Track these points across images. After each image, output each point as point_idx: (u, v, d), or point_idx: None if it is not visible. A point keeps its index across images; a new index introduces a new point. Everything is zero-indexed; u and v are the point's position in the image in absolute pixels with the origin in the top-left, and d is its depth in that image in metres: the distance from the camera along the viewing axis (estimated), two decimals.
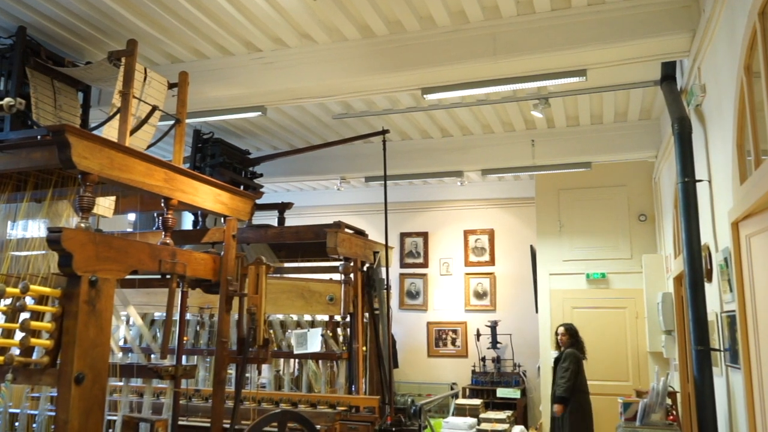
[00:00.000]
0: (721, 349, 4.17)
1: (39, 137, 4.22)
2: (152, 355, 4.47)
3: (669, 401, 5.40)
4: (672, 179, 6.06)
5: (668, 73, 5.52)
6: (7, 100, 2.23)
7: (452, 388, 9.10)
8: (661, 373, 5.83)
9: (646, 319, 7.56)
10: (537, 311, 8.55)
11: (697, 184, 4.45)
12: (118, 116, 3.38)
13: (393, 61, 5.27)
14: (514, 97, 6.55)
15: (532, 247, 8.95)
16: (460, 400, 7.27)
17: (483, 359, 9.11)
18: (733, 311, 3.67)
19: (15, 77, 4.64)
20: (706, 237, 4.39)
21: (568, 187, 8.56)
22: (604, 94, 6.47)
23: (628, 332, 8.07)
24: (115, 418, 3.41)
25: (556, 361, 7.05)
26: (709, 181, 4.38)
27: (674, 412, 5.51)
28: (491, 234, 9.78)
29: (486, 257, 9.75)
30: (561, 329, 7.09)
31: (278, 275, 5.80)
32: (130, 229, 7.76)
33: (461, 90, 5.47)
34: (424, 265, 10.05)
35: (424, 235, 10.13)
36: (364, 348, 5.46)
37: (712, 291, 4.32)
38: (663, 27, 4.63)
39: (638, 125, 7.35)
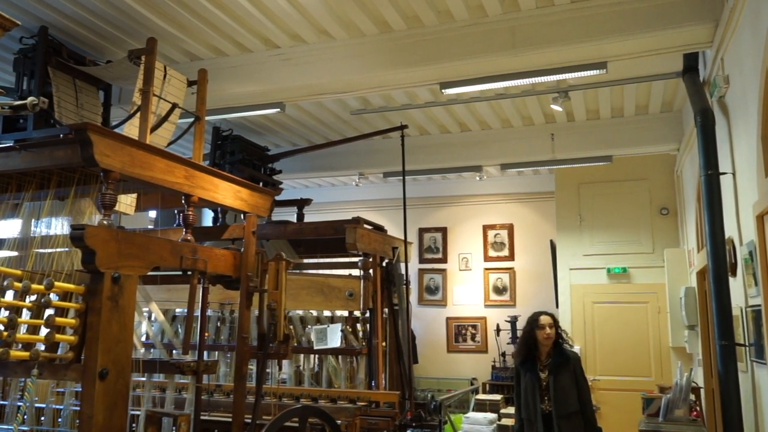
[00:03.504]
0: (746, 344, 4.11)
1: (62, 136, 4.27)
2: (174, 351, 4.51)
3: (692, 397, 5.34)
4: (695, 172, 5.98)
5: (690, 64, 5.44)
6: (30, 99, 2.26)
7: (472, 384, 9.07)
8: (684, 368, 5.76)
9: (668, 314, 7.48)
10: (557, 306, 8.49)
11: (721, 176, 4.39)
12: (138, 114, 3.41)
13: (411, 56, 5.25)
14: (533, 90, 6.50)
15: (552, 241, 8.89)
16: (480, 396, 7.24)
17: (503, 354, 9.07)
18: (759, 305, 3.62)
19: (38, 76, 4.70)
20: (730, 230, 4.33)
21: (588, 181, 8.48)
22: (625, 86, 6.39)
23: (650, 327, 7.99)
24: (138, 412, 3.45)
25: (522, 366, 4.74)
26: (733, 174, 4.31)
27: (698, 408, 5.45)
28: (510, 229, 9.72)
29: (505, 252, 9.69)
30: (547, 319, 4.73)
31: (298, 271, 5.82)
32: (151, 226, 7.84)
33: (480, 84, 5.44)
34: (443, 260, 10.02)
35: (443, 231, 10.10)
36: (384, 343, 5.47)
37: (736, 285, 4.26)
38: (685, 17, 4.56)
39: (660, 118, 7.25)
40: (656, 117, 7.26)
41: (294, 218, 6.44)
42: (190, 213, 3.42)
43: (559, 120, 7.51)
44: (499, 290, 9.62)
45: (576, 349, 4.98)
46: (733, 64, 4.21)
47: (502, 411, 6.46)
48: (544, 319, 4.74)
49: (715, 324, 4.26)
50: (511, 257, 9.66)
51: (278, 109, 6.09)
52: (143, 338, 4.73)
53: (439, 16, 5.09)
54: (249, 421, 3.68)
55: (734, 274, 4.31)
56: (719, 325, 4.20)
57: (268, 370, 4.90)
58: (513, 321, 9.04)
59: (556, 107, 6.55)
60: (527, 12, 4.93)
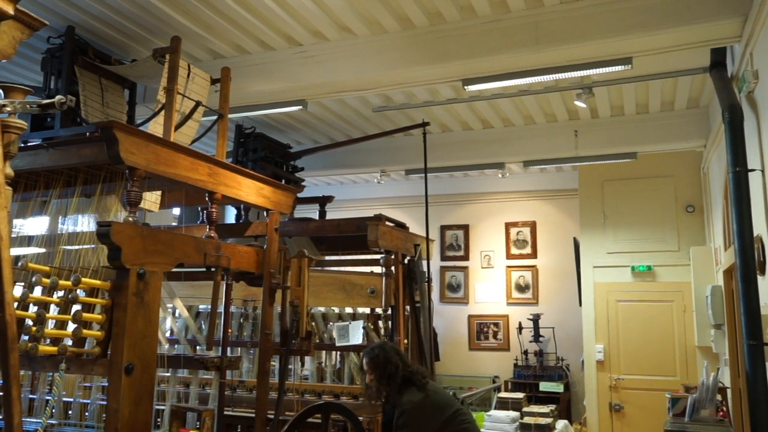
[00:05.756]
0: None
1: (88, 134, 4.33)
2: (198, 347, 4.56)
3: (719, 397, 5.26)
4: (722, 169, 5.87)
5: (718, 59, 5.35)
6: (58, 97, 2.29)
7: (494, 382, 9.04)
8: (710, 367, 5.67)
9: (694, 313, 7.38)
10: (580, 304, 8.41)
11: (750, 173, 4.31)
12: (163, 112, 3.44)
13: (433, 53, 5.23)
14: (556, 86, 6.44)
15: (575, 239, 8.81)
16: (503, 394, 7.20)
17: (525, 353, 9.02)
18: None
19: (65, 76, 4.77)
20: (758, 228, 4.25)
21: (612, 178, 8.39)
22: (650, 82, 6.30)
23: (676, 326, 7.88)
24: (163, 407, 3.50)
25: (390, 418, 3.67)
26: (762, 171, 4.23)
27: (725, 409, 5.37)
28: (533, 226, 9.66)
29: (528, 250, 9.63)
30: (363, 361, 3.78)
31: (320, 268, 5.83)
32: (175, 223, 7.92)
33: (502, 80, 5.40)
34: (465, 257, 9.99)
35: (465, 228, 10.06)
36: (406, 341, 5.46)
37: (765, 284, 4.18)
38: (713, 12, 4.48)
39: (686, 114, 7.13)
40: (682, 113, 7.14)
41: (316, 215, 6.46)
42: (213, 210, 3.45)
43: (582, 116, 7.44)
44: (521, 288, 9.56)
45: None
46: (762, 58, 4.13)
47: (525, 409, 6.42)
48: (363, 362, 3.76)
49: (743, 323, 4.18)
50: (533, 255, 9.59)
51: (300, 107, 6.11)
52: (168, 334, 4.79)
53: (462, 12, 5.07)
54: (272, 416, 3.70)
55: (763, 272, 4.23)
56: (747, 324, 4.13)
57: (290, 367, 4.93)
58: (535, 319, 8.99)
59: (579, 103, 6.48)
60: (551, 7, 4.88)
